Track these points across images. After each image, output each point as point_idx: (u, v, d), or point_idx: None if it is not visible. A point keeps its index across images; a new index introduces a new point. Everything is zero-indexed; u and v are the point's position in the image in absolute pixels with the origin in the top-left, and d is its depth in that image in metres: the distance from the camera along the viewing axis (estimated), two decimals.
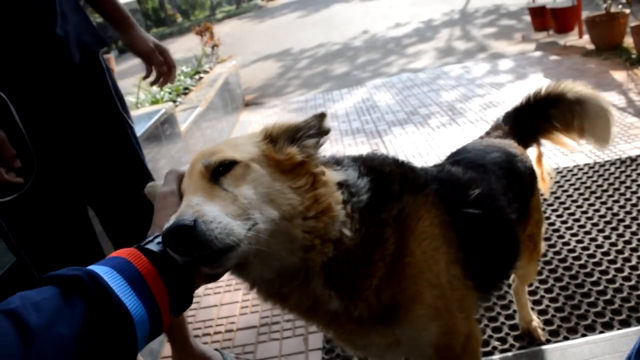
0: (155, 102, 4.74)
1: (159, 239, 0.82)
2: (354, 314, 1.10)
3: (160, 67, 2.03)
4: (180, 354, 2.13)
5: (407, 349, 1.25)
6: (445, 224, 1.19)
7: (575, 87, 1.73)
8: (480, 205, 1.28)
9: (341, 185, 1.07)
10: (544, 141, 1.87)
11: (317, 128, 1.06)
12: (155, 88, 5.05)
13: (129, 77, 7.30)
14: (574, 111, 1.72)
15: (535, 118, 1.80)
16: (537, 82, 5.22)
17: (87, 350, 0.67)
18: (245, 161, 0.96)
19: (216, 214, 0.83)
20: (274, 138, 1.04)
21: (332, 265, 1.04)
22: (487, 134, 1.79)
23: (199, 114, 4.54)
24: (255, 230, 0.88)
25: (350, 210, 1.06)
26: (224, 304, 2.67)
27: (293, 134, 1.05)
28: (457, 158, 1.52)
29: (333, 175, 1.07)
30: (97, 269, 0.73)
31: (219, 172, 0.93)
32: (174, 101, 4.87)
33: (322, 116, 1.06)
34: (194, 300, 2.72)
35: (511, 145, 1.68)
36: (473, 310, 1.29)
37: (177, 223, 0.78)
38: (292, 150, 1.02)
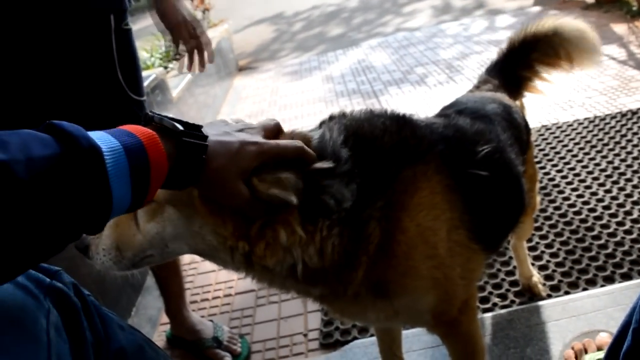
0: (145, 68, 4.64)
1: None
2: (347, 292, 1.04)
3: (188, 42, 1.81)
4: (173, 324, 2.14)
5: (405, 318, 1.21)
6: (449, 188, 1.09)
7: (546, 22, 1.67)
8: (488, 160, 1.18)
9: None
10: (528, 93, 1.81)
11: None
12: (144, 54, 4.94)
13: None
14: (555, 45, 1.67)
15: (519, 67, 1.73)
16: None
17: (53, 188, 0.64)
18: (160, 202, 0.91)
19: (107, 246, 0.96)
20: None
21: (302, 273, 0.97)
22: (477, 87, 1.72)
23: (190, 80, 4.45)
24: (147, 261, 0.99)
25: (327, 232, 0.94)
26: (221, 269, 2.65)
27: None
28: (459, 108, 1.39)
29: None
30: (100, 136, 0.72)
31: None
32: (165, 67, 4.76)
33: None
34: (192, 266, 2.71)
35: (504, 97, 1.62)
36: (477, 274, 1.22)
37: (80, 242, 0.96)
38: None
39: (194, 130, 0.82)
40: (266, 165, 0.89)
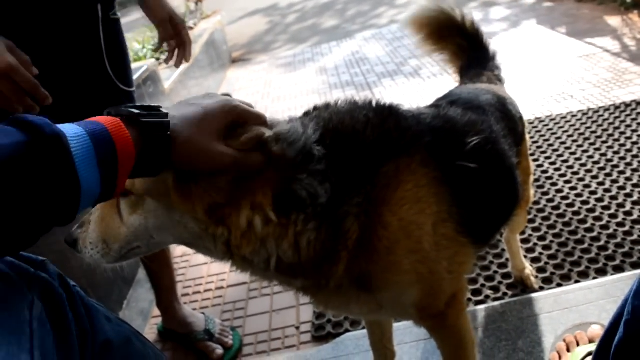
0: (137, 59, 4.60)
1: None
2: (330, 285, 1.03)
3: (169, 41, 1.83)
4: (165, 317, 2.13)
5: (390, 311, 1.20)
6: (436, 181, 1.06)
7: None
8: (479, 151, 1.15)
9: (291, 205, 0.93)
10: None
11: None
12: (136, 45, 4.90)
13: None
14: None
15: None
16: (531, 30, 5.13)
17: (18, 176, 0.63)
18: (140, 194, 0.91)
19: (94, 239, 0.96)
20: None
21: (276, 266, 0.97)
22: (472, 80, 1.70)
23: (183, 71, 4.41)
24: (135, 253, 0.98)
25: (301, 227, 0.93)
26: (213, 261, 2.63)
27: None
28: (452, 99, 1.36)
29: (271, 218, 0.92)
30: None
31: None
32: (157, 58, 4.72)
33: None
34: (184, 259, 2.69)
35: (499, 89, 1.61)
36: (466, 267, 1.19)
37: (69, 236, 0.98)
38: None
39: (152, 110, 0.82)
40: (236, 124, 0.90)
